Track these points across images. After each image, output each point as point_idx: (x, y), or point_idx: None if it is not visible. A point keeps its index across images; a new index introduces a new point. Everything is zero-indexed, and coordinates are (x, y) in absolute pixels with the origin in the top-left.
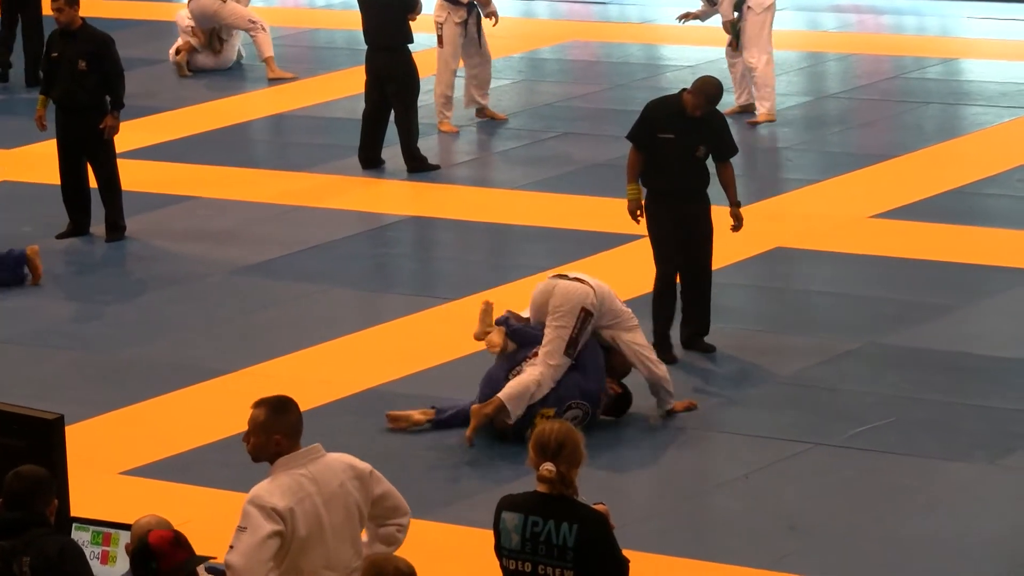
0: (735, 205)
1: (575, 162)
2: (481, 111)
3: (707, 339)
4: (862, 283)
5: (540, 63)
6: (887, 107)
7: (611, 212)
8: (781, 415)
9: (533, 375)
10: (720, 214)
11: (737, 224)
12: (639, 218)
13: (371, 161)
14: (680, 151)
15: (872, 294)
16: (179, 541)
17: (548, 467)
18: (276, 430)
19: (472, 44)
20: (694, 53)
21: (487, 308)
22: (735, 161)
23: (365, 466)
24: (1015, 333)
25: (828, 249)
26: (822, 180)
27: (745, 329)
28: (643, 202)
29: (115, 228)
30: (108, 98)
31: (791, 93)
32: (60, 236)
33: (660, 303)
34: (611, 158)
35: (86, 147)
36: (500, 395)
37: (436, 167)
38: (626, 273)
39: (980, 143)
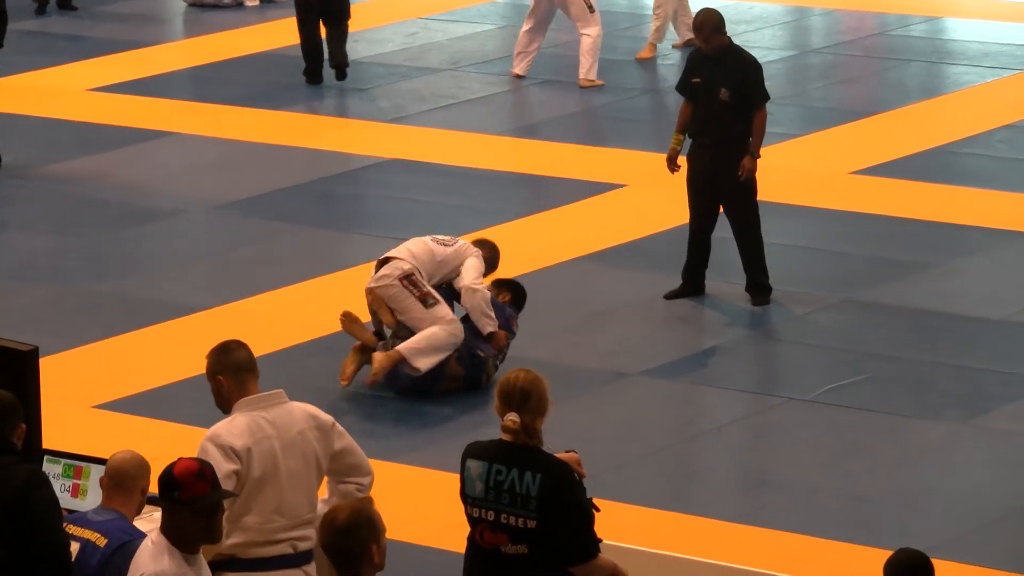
0: (750, 155)
1: (556, 109)
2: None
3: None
4: (840, 239)
5: (525, 9)
6: (870, 64)
7: (591, 160)
8: (755, 369)
9: (430, 329)
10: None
11: (743, 173)
12: (675, 168)
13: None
14: (706, 95)
15: (850, 250)
16: (202, 474)
17: (512, 418)
18: (217, 370)
19: None
20: None
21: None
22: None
23: (328, 418)
24: (991, 293)
25: (807, 204)
26: (803, 135)
27: (722, 282)
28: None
29: None
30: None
31: (775, 47)
32: None
33: (689, 246)
34: (592, 106)
35: None
36: (400, 347)
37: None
38: (603, 221)
39: (962, 102)
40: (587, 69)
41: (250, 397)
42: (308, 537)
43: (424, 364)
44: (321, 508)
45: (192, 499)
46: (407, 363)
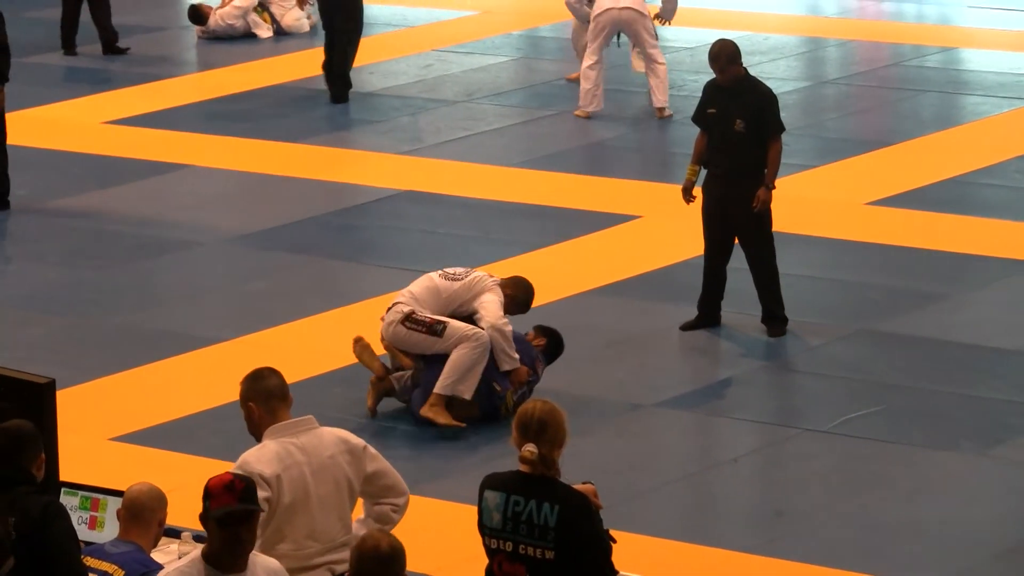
0: (764, 187)
1: (571, 141)
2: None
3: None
4: (856, 269)
5: (539, 41)
6: (885, 94)
7: (606, 191)
8: (771, 400)
9: (452, 357)
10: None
11: (757, 204)
12: (691, 199)
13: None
14: (721, 126)
15: (865, 281)
16: (232, 486)
17: (530, 448)
18: (249, 397)
19: None
20: (692, 35)
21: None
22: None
23: (359, 442)
24: (1008, 323)
25: (823, 235)
26: (819, 166)
27: (738, 313)
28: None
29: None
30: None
31: (789, 78)
32: None
33: (704, 276)
34: (606, 137)
35: None
36: (437, 390)
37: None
38: (618, 252)
39: (977, 133)
40: (666, 98)
41: (280, 424)
42: (346, 560)
43: (468, 390)
44: (357, 529)
45: (216, 510)
46: (453, 397)
